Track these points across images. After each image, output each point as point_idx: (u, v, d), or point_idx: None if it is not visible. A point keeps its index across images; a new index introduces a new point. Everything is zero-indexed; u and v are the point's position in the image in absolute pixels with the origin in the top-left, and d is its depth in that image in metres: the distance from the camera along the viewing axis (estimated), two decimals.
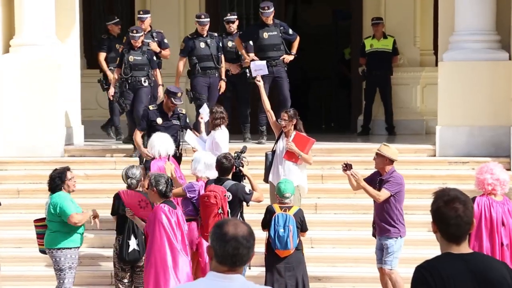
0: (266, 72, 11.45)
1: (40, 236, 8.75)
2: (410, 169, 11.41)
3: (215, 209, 8.32)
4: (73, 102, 12.59)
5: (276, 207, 8.73)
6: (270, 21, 12.38)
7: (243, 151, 9.15)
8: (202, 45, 12.13)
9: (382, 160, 8.84)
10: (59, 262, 8.60)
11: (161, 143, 9.55)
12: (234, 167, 8.77)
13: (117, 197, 8.86)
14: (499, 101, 11.49)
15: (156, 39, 12.52)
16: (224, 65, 12.36)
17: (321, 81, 18.53)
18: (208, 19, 12.33)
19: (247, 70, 12.14)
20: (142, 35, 12.01)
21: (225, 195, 8.40)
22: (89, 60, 14.85)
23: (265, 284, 8.20)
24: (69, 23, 12.66)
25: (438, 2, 12.39)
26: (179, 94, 10.21)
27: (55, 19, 12.19)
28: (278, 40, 12.40)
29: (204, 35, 12.25)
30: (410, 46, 14.55)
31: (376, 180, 8.86)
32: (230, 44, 12.64)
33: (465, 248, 4.01)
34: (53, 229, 8.62)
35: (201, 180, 8.90)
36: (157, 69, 12.04)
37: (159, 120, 10.23)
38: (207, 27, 12.25)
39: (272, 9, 12.37)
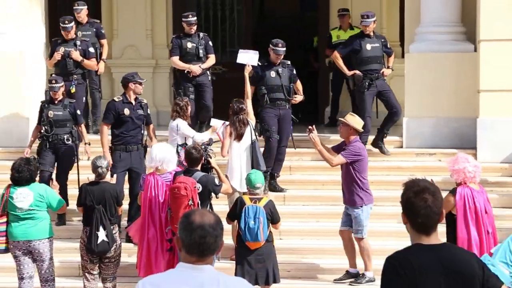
0: (255, 63, 11.10)
1: (0, 233, 8.59)
2: (377, 161, 11.49)
3: (186, 201, 8.34)
4: (38, 92, 12.45)
5: (246, 198, 8.73)
6: (371, 31, 11.69)
7: (209, 143, 9.14)
8: (273, 74, 11.06)
9: (346, 129, 9.29)
10: (46, 252, 8.58)
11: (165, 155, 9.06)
12: (202, 158, 8.77)
13: (84, 188, 8.82)
14: (465, 93, 11.60)
15: (79, 47, 11.81)
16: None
17: None
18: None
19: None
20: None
21: (195, 187, 8.40)
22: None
23: (235, 276, 8.20)
24: (33, 11, 12.48)
25: None
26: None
27: (17, 6, 12.05)
28: (380, 53, 11.75)
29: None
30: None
31: (342, 149, 9.33)
32: (189, 45, 12.01)
33: (435, 239, 4.05)
34: (41, 219, 8.57)
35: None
36: (82, 125, 10.74)
37: (127, 111, 10.15)
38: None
39: (373, 19, 11.69)
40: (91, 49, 11.90)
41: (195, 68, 11.77)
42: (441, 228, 6.35)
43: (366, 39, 11.69)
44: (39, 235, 8.56)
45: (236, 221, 8.78)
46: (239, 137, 10.03)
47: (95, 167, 8.83)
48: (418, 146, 11.67)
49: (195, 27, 11.92)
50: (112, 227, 8.72)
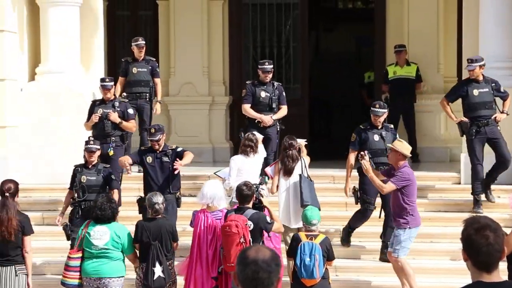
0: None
1: (74, 268, 8.66)
2: (434, 197, 11.36)
3: (237, 239, 8.30)
4: None
5: (302, 235, 8.69)
6: (478, 76, 10.99)
7: (261, 183, 9.14)
8: (376, 137, 10.39)
9: (395, 154, 9.36)
10: None
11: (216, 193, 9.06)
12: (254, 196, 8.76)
13: (140, 225, 8.84)
14: None
15: (118, 109, 11.12)
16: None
17: (343, 109, 18.53)
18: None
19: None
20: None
21: (246, 224, 8.37)
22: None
23: None
24: (94, 52, 12.74)
25: (462, 29, 12.39)
26: (152, 130, 9.95)
27: (80, 47, 12.30)
28: (490, 98, 11.02)
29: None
30: (434, 73, 14.53)
31: (391, 174, 9.44)
32: (263, 94, 11.58)
33: (496, 277, 3.98)
34: (115, 258, 8.62)
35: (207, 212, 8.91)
36: (115, 190, 10.02)
37: (149, 159, 9.94)
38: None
39: (480, 63, 10.96)
40: (130, 110, 11.29)
41: (267, 119, 11.41)
42: (502, 265, 6.23)
43: (473, 84, 11.03)
44: (111, 273, 8.59)
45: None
46: (288, 172, 9.99)
47: (151, 204, 8.83)
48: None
49: (270, 75, 11.54)
50: (168, 263, 8.74)
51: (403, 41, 14.36)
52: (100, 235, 8.56)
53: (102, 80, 11.24)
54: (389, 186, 9.29)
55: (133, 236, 8.82)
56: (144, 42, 12.41)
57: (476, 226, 3.95)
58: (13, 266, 8.54)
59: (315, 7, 17.33)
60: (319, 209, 9.54)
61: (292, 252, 8.67)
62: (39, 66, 12.32)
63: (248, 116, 11.62)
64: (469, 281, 4.04)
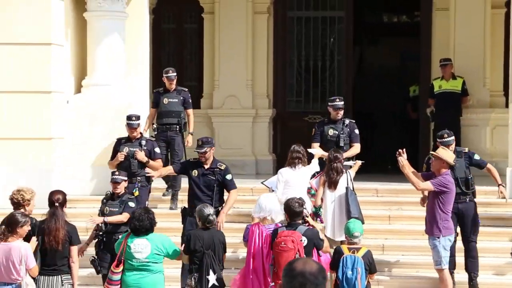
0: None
1: (116, 282, 8.62)
2: (480, 211, 11.20)
3: (292, 254, 8.14)
4: None
5: (344, 248, 8.64)
6: None
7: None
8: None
9: (439, 162, 9.29)
10: None
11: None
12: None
13: (193, 234, 8.69)
14: None
15: (145, 148, 10.77)
16: None
17: (387, 122, 18.44)
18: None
19: None
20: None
21: (301, 240, 8.28)
22: None
23: None
24: (140, 65, 12.86)
25: (510, 43, 12.27)
26: (200, 142, 9.73)
27: (126, 60, 12.42)
28: None
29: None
30: (480, 87, 14.40)
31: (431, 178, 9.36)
32: (331, 132, 10.91)
33: None
34: (156, 271, 8.57)
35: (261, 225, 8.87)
36: None
37: (195, 172, 9.78)
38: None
39: None
40: (157, 149, 10.86)
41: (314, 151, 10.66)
42: None
43: None
44: (152, 286, 8.54)
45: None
46: (333, 185, 9.96)
47: (203, 215, 8.63)
48: None
49: (341, 112, 10.87)
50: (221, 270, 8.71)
51: (448, 55, 14.27)
52: (141, 248, 8.54)
53: (129, 118, 10.79)
54: (426, 185, 9.27)
55: (182, 248, 8.78)
56: (175, 74, 11.93)
57: None
58: (60, 276, 8.61)
59: (360, 21, 17.31)
60: (363, 223, 9.49)
61: (334, 265, 8.62)
62: (85, 79, 12.47)
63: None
64: None
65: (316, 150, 10.58)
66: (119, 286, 8.61)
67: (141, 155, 10.61)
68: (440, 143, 9.81)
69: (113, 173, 9.87)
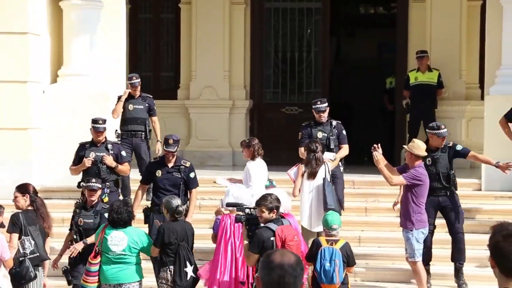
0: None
1: (94, 273, 8.61)
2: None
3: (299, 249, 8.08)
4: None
5: (322, 240, 8.66)
6: None
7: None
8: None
9: (410, 156, 9.39)
10: None
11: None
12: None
13: (165, 227, 8.70)
14: None
15: (112, 152, 10.29)
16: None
17: (363, 114, 18.50)
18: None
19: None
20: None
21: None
22: None
23: None
24: (116, 55, 12.78)
25: (485, 36, 12.35)
26: (170, 141, 9.55)
27: (102, 50, 12.35)
28: None
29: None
30: (456, 80, 14.48)
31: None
32: (320, 135, 10.76)
33: None
34: (133, 263, 8.58)
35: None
36: None
37: (158, 172, 9.63)
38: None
39: None
40: (123, 153, 10.44)
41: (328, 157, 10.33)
42: None
43: None
44: (130, 279, 8.56)
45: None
46: (312, 175, 9.97)
47: (172, 207, 8.64)
48: (498, 189, 11.46)
49: (324, 115, 10.73)
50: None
51: (425, 47, 14.32)
52: (117, 241, 8.54)
53: (95, 121, 10.29)
54: (398, 179, 9.34)
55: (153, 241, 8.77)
56: (139, 80, 11.57)
57: (504, 233, 3.93)
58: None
59: (337, 13, 17.33)
60: (340, 214, 9.53)
61: (312, 257, 8.64)
62: (61, 69, 12.39)
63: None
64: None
65: (328, 156, 10.27)
66: (97, 277, 8.60)
67: (110, 160, 10.15)
68: (436, 134, 9.84)
69: (88, 180, 9.40)
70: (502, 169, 9.92)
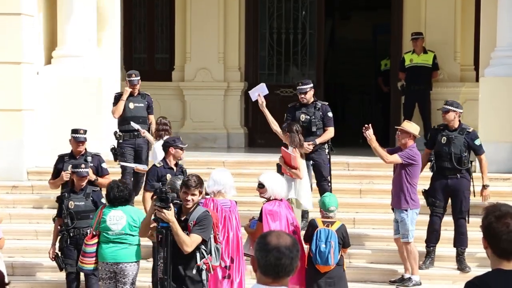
0: (265, 91, 10.33)
1: (91, 254, 8.62)
2: None
3: None
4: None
5: (319, 221, 8.68)
6: None
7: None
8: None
9: (405, 135, 9.46)
10: (130, 275, 8.58)
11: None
12: None
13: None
14: None
15: (91, 164, 9.70)
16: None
17: (359, 96, 18.50)
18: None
19: None
20: None
21: None
22: None
23: None
24: (110, 37, 12.73)
25: (480, 18, 12.32)
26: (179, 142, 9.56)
27: (96, 32, 12.31)
28: None
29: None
30: (451, 61, 14.46)
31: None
32: (303, 117, 10.47)
33: None
34: (133, 243, 8.60)
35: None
36: None
37: (169, 177, 9.30)
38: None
39: None
40: (104, 165, 9.91)
41: (305, 146, 10.10)
42: None
43: None
44: (128, 258, 8.59)
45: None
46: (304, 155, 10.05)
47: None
48: (492, 171, 11.45)
49: (306, 96, 10.43)
50: None
51: (420, 29, 14.29)
52: (116, 219, 8.56)
53: (75, 131, 9.79)
54: (394, 157, 9.41)
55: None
56: (138, 78, 11.02)
57: (497, 214, 3.94)
58: None
59: None
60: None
61: (308, 238, 8.67)
62: (55, 50, 12.34)
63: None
64: (488, 269, 4.03)
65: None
66: (94, 258, 8.62)
67: (90, 173, 9.47)
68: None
69: (76, 166, 9.22)
70: (481, 195, 9.86)
